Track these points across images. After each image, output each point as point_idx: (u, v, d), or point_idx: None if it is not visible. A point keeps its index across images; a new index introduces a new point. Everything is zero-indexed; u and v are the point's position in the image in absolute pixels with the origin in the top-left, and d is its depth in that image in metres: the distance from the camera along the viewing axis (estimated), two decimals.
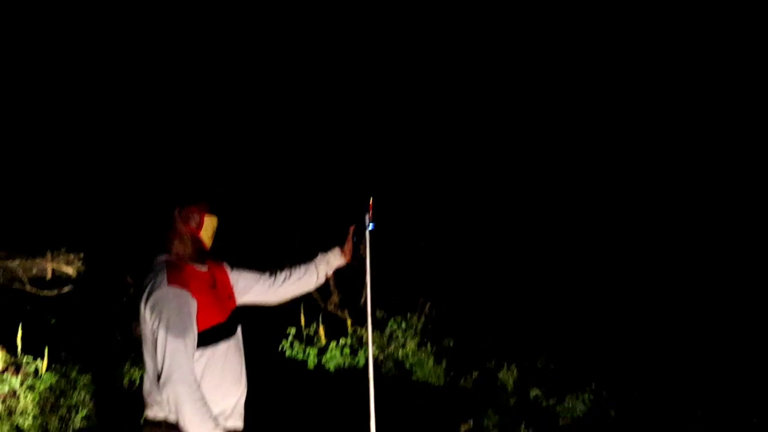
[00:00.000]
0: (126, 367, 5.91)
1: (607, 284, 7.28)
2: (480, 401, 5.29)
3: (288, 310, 7.31)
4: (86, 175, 8.22)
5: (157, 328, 2.04)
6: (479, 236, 8.27)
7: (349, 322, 7.34)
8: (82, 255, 9.29)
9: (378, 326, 7.11)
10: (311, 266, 2.68)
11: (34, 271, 10.16)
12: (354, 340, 6.95)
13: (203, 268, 2.31)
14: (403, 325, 6.98)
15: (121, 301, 7.84)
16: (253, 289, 2.55)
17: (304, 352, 6.71)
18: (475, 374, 5.98)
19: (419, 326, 7.10)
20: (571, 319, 6.88)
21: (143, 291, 2.15)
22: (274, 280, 2.61)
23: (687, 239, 7.60)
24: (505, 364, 5.88)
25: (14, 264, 9.87)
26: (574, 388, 5.54)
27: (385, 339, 6.92)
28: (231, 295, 2.43)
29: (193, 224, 2.29)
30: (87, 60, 7.62)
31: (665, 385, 5.61)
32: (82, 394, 5.12)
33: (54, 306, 8.68)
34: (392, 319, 7.11)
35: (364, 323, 7.13)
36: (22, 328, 6.03)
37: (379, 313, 7.30)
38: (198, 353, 2.11)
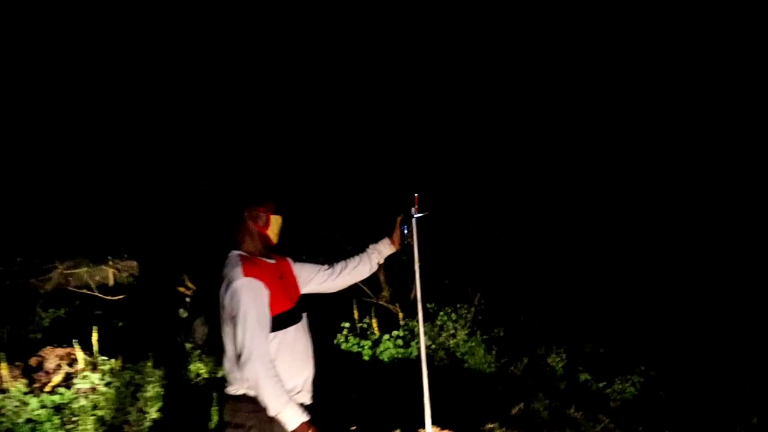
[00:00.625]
0: (192, 362, 6.35)
1: (654, 269, 7.39)
2: (530, 386, 5.50)
3: (341, 306, 7.69)
4: (140, 185, 8.72)
5: (237, 314, 2.37)
6: (525, 227, 8.46)
7: (400, 315, 7.65)
8: (140, 261, 9.91)
9: (429, 318, 7.38)
10: (364, 256, 2.98)
11: (98, 278, 10.79)
12: (406, 332, 7.24)
13: (271, 261, 2.64)
14: (453, 316, 7.23)
15: (178, 302, 8.32)
16: (314, 279, 2.86)
17: (359, 345, 7.04)
18: (525, 361, 6.18)
19: (469, 317, 7.35)
20: (619, 303, 7.02)
21: (222, 282, 2.49)
22: (332, 270, 2.92)
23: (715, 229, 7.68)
24: (554, 349, 6.06)
25: (81, 271, 10.54)
26: (624, 370, 5.69)
27: (437, 330, 7.18)
28: (295, 285, 2.75)
29: (261, 223, 2.63)
30: (142, 80, 8.10)
31: (716, 365, 5.71)
32: (156, 388, 5.55)
33: (119, 309, 9.25)
34: (442, 311, 7.37)
35: (414, 316, 7.44)
36: (95, 331, 6.54)
37: (429, 306, 7.59)
38: (271, 336, 2.44)
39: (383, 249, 3.02)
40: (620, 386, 5.54)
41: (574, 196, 8.66)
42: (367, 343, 7.01)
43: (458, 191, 8.59)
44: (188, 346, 6.59)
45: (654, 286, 7.19)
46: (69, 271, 10.66)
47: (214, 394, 5.45)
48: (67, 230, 9.94)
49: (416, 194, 3.30)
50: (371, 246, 3.03)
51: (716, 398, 5.25)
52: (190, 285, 8.71)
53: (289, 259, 2.82)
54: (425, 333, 7.13)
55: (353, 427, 4.56)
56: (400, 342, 7.02)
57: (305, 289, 2.82)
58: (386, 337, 7.08)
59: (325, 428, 4.37)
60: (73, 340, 6.10)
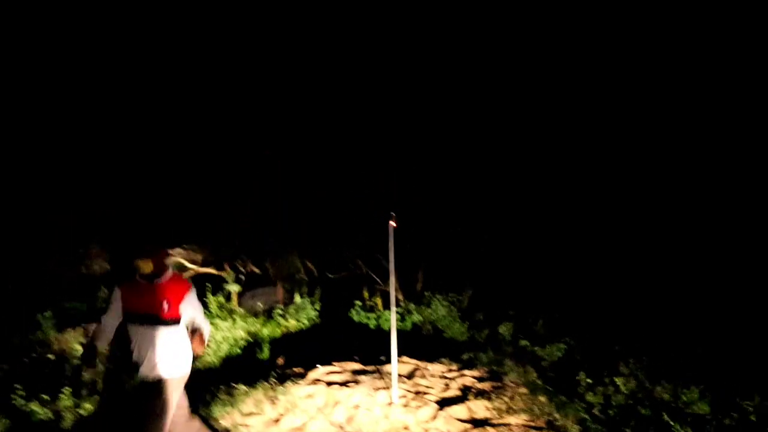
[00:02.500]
0: (241, 321, 9.06)
1: (576, 271, 9.92)
2: (483, 345, 8.08)
3: (353, 290, 10.41)
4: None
5: None
6: (504, 235, 11.04)
7: (401, 297, 10.31)
8: (197, 248, 12.84)
9: (424, 302, 10.04)
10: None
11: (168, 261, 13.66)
12: (403, 309, 9.89)
13: (147, 282, 4.62)
14: (439, 298, 9.84)
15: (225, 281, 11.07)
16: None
17: (367, 317, 9.71)
18: (486, 331, 8.77)
19: (456, 302, 9.95)
20: (553, 294, 9.59)
21: None
22: (191, 329, 4.89)
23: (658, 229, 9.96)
24: (504, 323, 8.65)
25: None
26: (553, 340, 8.21)
27: (426, 311, 9.80)
28: (162, 305, 4.51)
29: (137, 264, 4.73)
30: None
31: (615, 338, 8.20)
32: (221, 334, 8.31)
33: None
34: (434, 298, 9.98)
35: (411, 299, 10.12)
36: None
37: (426, 294, 10.23)
38: (122, 323, 4.63)
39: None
40: (549, 350, 8.04)
41: (550, 205, 11.08)
42: (373, 316, 9.67)
43: (452, 204, 11.15)
44: (241, 311, 9.35)
45: (575, 285, 9.70)
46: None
47: (262, 336, 8.19)
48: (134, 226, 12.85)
49: (393, 213, 5.96)
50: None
51: (613, 359, 7.72)
52: (235, 268, 11.54)
53: (188, 294, 4.66)
54: (417, 312, 9.76)
55: (356, 357, 7.20)
56: (398, 316, 9.66)
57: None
58: (387, 312, 9.73)
59: (337, 359, 7.02)
60: None
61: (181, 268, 13.30)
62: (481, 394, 6.07)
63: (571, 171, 10.73)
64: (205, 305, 9.68)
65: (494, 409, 5.77)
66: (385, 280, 11.02)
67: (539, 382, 6.73)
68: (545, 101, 10.64)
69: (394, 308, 6.17)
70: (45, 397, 5.96)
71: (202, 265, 13.12)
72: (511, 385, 6.42)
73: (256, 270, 12.46)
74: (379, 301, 9.98)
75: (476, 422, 5.58)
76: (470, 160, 11.10)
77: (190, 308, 4.66)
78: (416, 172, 11.10)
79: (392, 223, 5.95)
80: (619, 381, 6.71)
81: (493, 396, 6.02)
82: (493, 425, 5.52)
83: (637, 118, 10.33)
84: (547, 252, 10.71)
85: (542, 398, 6.08)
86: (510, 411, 5.75)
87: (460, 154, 11.26)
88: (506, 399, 5.97)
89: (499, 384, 6.43)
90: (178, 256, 13.64)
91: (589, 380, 6.78)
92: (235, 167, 11.79)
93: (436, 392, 6.11)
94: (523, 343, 8.26)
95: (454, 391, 6.15)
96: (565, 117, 10.60)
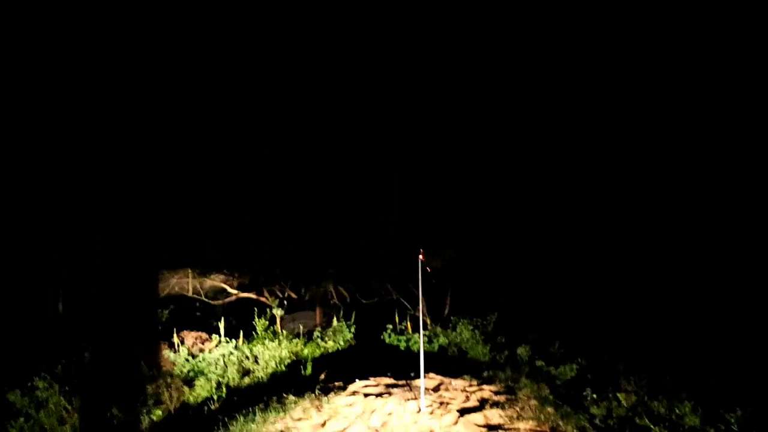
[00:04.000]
0: (284, 341, 10.36)
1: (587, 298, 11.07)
2: (502, 365, 9.28)
3: (385, 314, 11.71)
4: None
5: None
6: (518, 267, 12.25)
7: (428, 321, 11.57)
8: (236, 275, 14.23)
9: (448, 326, 11.28)
10: None
11: (208, 285, 15.05)
12: (431, 333, 11.13)
13: None
14: (464, 322, 11.07)
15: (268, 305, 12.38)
16: None
17: (398, 340, 10.97)
18: (506, 353, 9.96)
19: (480, 326, 11.18)
20: (566, 319, 10.74)
21: None
22: None
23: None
24: (523, 345, 9.84)
25: (188, 280, 14.82)
26: (566, 360, 9.37)
27: (452, 334, 11.03)
28: None
29: None
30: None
31: (621, 356, 9.32)
32: (266, 355, 9.63)
33: (224, 309, 13.45)
34: (460, 322, 11.22)
35: (438, 323, 11.36)
36: (222, 322, 10.74)
37: (453, 318, 11.48)
38: None
39: None
40: (563, 369, 9.20)
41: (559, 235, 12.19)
42: (403, 339, 10.93)
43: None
44: (284, 332, 10.68)
45: (586, 310, 10.82)
46: (180, 280, 15.06)
47: (303, 356, 9.47)
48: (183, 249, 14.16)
49: (422, 249, 7.25)
50: None
51: (620, 379, 8.85)
52: (273, 293, 12.89)
53: None
54: (443, 335, 10.98)
55: (389, 373, 8.47)
56: (426, 339, 10.90)
57: None
58: (416, 335, 10.98)
59: (372, 374, 8.29)
60: (219, 323, 10.32)
61: (223, 293, 14.72)
62: (496, 404, 7.28)
63: (578, 190, 11.68)
64: (252, 327, 11.06)
65: (506, 416, 6.98)
66: (414, 305, 12.29)
67: (550, 396, 7.92)
68: (559, 107, 11.21)
69: (422, 331, 7.45)
70: None
71: (240, 289, 14.48)
72: (524, 398, 7.61)
73: (293, 295, 13.81)
74: (408, 324, 11.24)
75: (491, 427, 6.80)
76: (481, 178, 12.04)
77: None
78: (421, 180, 11.96)
79: (421, 257, 7.23)
80: (621, 396, 7.87)
81: (507, 406, 7.23)
82: (504, 429, 6.74)
83: (637, 137, 11.07)
84: (564, 276, 11.85)
85: (550, 409, 7.27)
86: (520, 418, 6.95)
87: (469, 169, 12.20)
88: (517, 409, 7.18)
89: (513, 397, 7.63)
90: (219, 281, 15.09)
91: (594, 395, 7.95)
92: (235, 167, 12.24)
93: (458, 403, 7.34)
94: (539, 363, 9.44)
95: (473, 402, 7.37)
96: (571, 126, 11.23)
